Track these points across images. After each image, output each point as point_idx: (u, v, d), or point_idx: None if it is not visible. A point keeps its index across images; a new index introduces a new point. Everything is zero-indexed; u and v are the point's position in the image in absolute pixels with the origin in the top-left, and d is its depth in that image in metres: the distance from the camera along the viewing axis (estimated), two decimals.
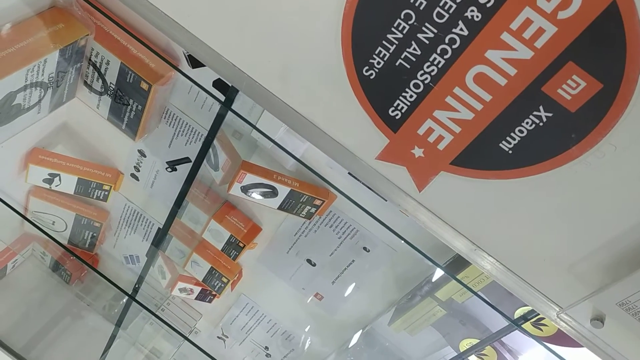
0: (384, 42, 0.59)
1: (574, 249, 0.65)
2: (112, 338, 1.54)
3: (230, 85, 0.99)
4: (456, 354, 1.25)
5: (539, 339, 0.98)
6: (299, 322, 1.48)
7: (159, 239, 1.37)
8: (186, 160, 1.25)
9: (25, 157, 1.27)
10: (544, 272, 0.68)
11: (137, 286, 1.36)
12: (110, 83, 1.11)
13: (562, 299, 0.69)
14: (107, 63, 1.08)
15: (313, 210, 1.18)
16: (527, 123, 0.58)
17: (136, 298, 1.36)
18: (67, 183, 1.32)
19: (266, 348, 1.58)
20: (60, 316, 1.70)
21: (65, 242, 1.52)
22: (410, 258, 1.21)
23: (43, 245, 1.66)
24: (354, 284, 1.30)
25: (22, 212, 1.41)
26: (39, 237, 1.62)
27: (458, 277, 1.08)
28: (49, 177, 1.30)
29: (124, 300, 1.37)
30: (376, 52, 0.60)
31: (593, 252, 0.64)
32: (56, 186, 1.33)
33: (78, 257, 1.49)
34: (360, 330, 1.40)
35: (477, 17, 0.53)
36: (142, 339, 1.73)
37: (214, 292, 1.45)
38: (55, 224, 1.46)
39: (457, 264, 1.07)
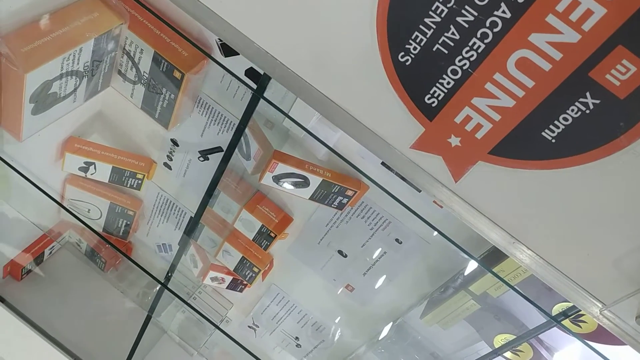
0: (420, 26, 0.57)
1: (619, 244, 0.62)
2: (145, 325, 1.56)
3: (262, 73, 0.98)
4: (490, 349, 1.22)
5: (580, 337, 0.94)
6: (329, 313, 1.47)
7: (191, 228, 1.38)
8: (218, 149, 1.25)
9: (61, 146, 1.29)
10: (587, 267, 0.65)
11: (169, 274, 1.36)
12: (144, 72, 1.11)
13: (605, 295, 0.66)
14: (141, 52, 1.08)
15: (345, 200, 1.16)
16: (572, 110, 0.55)
17: (168, 286, 1.37)
18: (102, 171, 1.34)
19: (296, 338, 1.58)
20: (95, 302, 1.72)
21: (100, 230, 1.54)
22: (443, 250, 1.19)
23: (79, 232, 1.69)
24: (385, 276, 1.29)
25: (58, 199, 1.43)
26: (75, 225, 1.65)
27: (495, 269, 1.05)
28: (84, 165, 1.32)
29: (157, 288, 1.38)
30: (412, 37, 0.58)
31: (639, 247, 0.61)
32: (91, 174, 1.34)
33: (112, 245, 1.51)
34: (391, 323, 1.38)
35: None
36: (174, 327, 1.75)
37: (245, 282, 1.45)
38: (91, 212, 1.49)
39: (492, 258, 1.04)
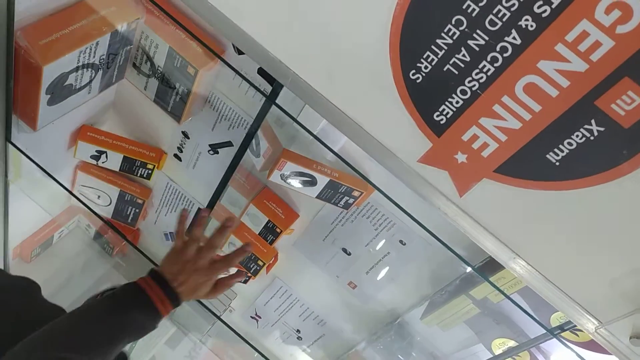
0: (432, 46, 0.58)
1: (617, 265, 0.63)
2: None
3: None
4: (487, 351, 1.24)
5: (577, 347, 0.96)
6: (331, 309, 1.49)
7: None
8: (228, 144, 1.27)
9: (74, 134, 1.31)
10: (585, 285, 0.67)
11: None
12: (158, 66, 1.12)
13: (602, 314, 0.68)
14: (156, 47, 1.09)
15: (351, 200, 1.18)
16: (577, 136, 0.56)
17: None
18: (113, 160, 1.36)
19: (298, 331, 1.60)
20: (102, 287, 1.75)
21: (109, 216, 1.56)
22: (446, 254, 1.20)
23: (88, 217, 1.72)
24: (387, 276, 1.30)
25: (70, 184, 1.45)
26: (85, 210, 1.67)
27: (494, 277, 1.06)
28: (96, 153, 1.34)
29: None
30: (424, 56, 0.59)
31: (637, 269, 0.63)
32: (103, 163, 1.37)
33: (118, 231, 1.54)
34: (392, 321, 1.40)
35: (532, 26, 0.52)
36: (177, 314, 1.78)
37: (249, 274, 1.48)
38: (101, 198, 1.51)
39: (493, 264, 1.05)
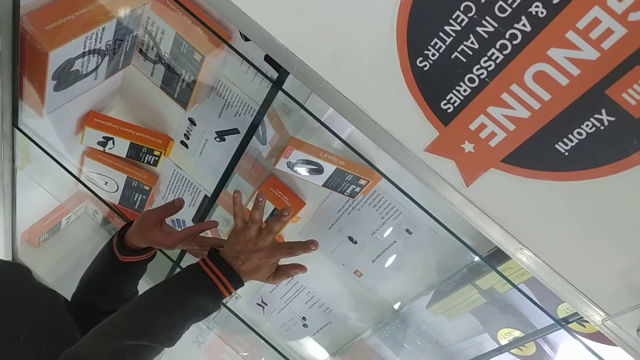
0: (440, 34, 0.57)
1: (626, 257, 0.63)
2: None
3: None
4: (493, 341, 1.24)
5: (584, 338, 0.95)
6: (337, 297, 1.49)
7: (207, 207, 1.39)
8: (235, 131, 1.26)
9: (81, 119, 1.31)
10: (593, 278, 0.66)
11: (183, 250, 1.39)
12: (165, 52, 1.12)
13: (609, 306, 0.67)
14: (163, 32, 1.08)
15: (358, 189, 1.17)
16: (587, 126, 0.55)
17: (180, 264, 1.40)
18: (120, 146, 1.36)
19: (304, 318, 1.61)
20: None
21: (116, 202, 1.57)
22: (452, 243, 1.19)
23: (96, 203, 1.73)
24: (394, 264, 1.30)
25: (76, 171, 1.46)
26: (92, 196, 1.68)
27: (502, 267, 1.06)
28: (103, 140, 1.34)
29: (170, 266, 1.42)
30: (432, 43, 0.58)
31: None
32: (109, 149, 1.37)
33: (124, 218, 1.54)
34: (397, 310, 1.40)
35: (542, 13, 0.51)
36: None
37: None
38: (108, 185, 1.51)
39: (499, 255, 1.05)
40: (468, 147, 0.63)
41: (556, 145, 0.58)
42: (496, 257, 1.07)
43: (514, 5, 0.51)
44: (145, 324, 0.80)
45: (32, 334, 0.86)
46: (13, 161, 1.29)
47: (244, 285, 0.91)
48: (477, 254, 0.96)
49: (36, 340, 0.86)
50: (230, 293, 0.89)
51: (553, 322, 0.97)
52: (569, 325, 0.94)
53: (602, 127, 0.55)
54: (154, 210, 1.04)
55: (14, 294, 0.95)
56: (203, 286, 0.87)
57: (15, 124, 1.14)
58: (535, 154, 0.60)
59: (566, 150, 0.58)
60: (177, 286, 0.88)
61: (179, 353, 1.77)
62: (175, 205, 1.05)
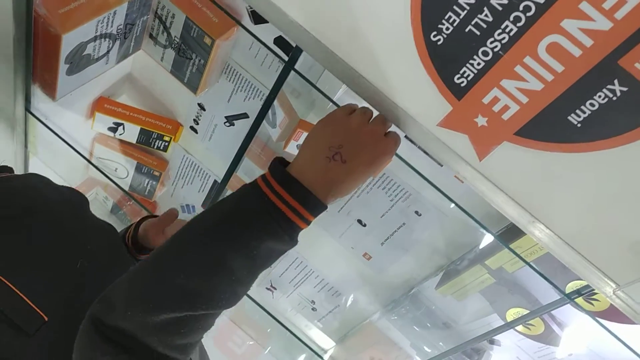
0: (454, 7, 0.57)
1: (638, 227, 0.63)
2: None
3: (294, 45, 0.99)
4: (502, 321, 1.25)
5: (592, 315, 0.97)
6: (346, 280, 1.51)
7: (217, 192, 1.41)
8: (244, 116, 1.27)
9: (92, 105, 1.32)
10: (604, 249, 0.67)
11: None
12: (175, 37, 1.13)
13: (619, 276, 0.68)
14: (173, 16, 1.09)
15: None
16: (599, 97, 0.56)
17: None
18: (130, 132, 1.37)
19: (312, 302, 1.62)
20: None
21: (127, 188, 1.58)
22: (461, 224, 1.21)
23: (106, 190, 1.74)
24: (403, 247, 1.31)
25: (87, 156, 1.47)
26: (103, 182, 1.69)
27: (510, 246, 1.07)
28: (113, 125, 1.35)
29: None
30: (446, 17, 0.59)
31: None
32: (120, 135, 1.38)
33: (138, 202, 1.56)
34: (406, 287, 1.41)
35: None
36: None
37: None
38: (118, 171, 1.53)
39: (510, 234, 1.06)
40: (481, 121, 0.64)
41: (569, 117, 0.59)
42: (505, 237, 1.08)
43: None
44: (203, 289, 0.58)
45: (90, 264, 0.73)
46: (26, 146, 1.30)
47: (326, 208, 0.65)
48: (490, 232, 0.97)
49: (92, 271, 0.73)
50: (306, 222, 0.64)
51: (560, 297, 0.98)
52: (576, 301, 0.95)
53: (614, 98, 0.55)
54: (153, 223, 1.10)
55: (75, 219, 0.83)
56: (273, 225, 0.61)
57: (27, 108, 1.15)
58: (548, 126, 0.61)
59: (579, 122, 0.59)
60: (238, 228, 0.61)
61: None
62: (171, 215, 1.11)
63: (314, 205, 0.63)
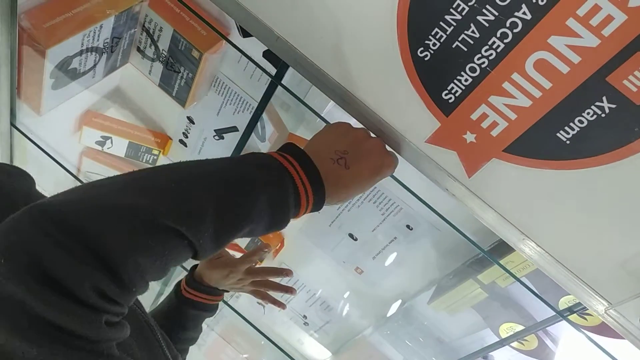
0: (441, 23, 0.57)
1: (629, 245, 0.62)
2: (159, 295, 1.60)
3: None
4: (495, 335, 1.24)
5: (585, 331, 0.95)
6: (337, 294, 1.49)
7: None
8: (234, 129, 1.26)
9: (79, 119, 1.31)
10: (595, 266, 0.66)
11: None
12: (163, 50, 1.12)
13: (611, 295, 0.67)
14: (160, 30, 1.08)
15: None
16: (588, 113, 0.55)
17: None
18: (119, 146, 1.36)
19: (304, 317, 1.61)
20: None
21: None
22: (453, 238, 1.20)
23: None
24: (394, 261, 1.30)
25: (75, 171, 1.45)
26: None
27: (503, 261, 1.06)
28: (101, 139, 1.33)
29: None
30: (432, 33, 0.58)
31: None
32: (108, 148, 1.36)
33: None
34: (399, 303, 1.40)
35: (542, 0, 0.51)
36: None
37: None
38: None
39: (502, 248, 1.05)
40: (470, 137, 0.63)
41: (558, 134, 0.58)
42: (497, 251, 1.07)
43: None
44: (192, 204, 0.50)
45: None
46: (11, 161, 1.28)
47: (321, 208, 0.64)
48: (480, 249, 0.96)
49: None
50: (305, 211, 0.61)
51: (554, 314, 0.97)
52: (569, 317, 0.94)
53: (603, 115, 0.55)
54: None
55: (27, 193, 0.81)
56: (280, 182, 0.58)
57: (12, 122, 1.14)
58: (537, 143, 0.60)
59: (568, 139, 0.58)
60: (241, 171, 0.57)
61: None
62: None
63: (320, 196, 0.62)
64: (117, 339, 0.47)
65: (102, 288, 0.43)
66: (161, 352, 0.74)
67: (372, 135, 0.70)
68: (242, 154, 1.09)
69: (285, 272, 1.03)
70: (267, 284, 1.05)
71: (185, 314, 1.02)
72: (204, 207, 0.51)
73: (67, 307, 0.42)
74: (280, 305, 1.08)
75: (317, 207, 0.62)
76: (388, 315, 1.43)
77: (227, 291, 1.07)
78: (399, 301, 1.39)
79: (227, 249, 1.45)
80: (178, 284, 1.05)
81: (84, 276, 0.43)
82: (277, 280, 1.06)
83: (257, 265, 1.51)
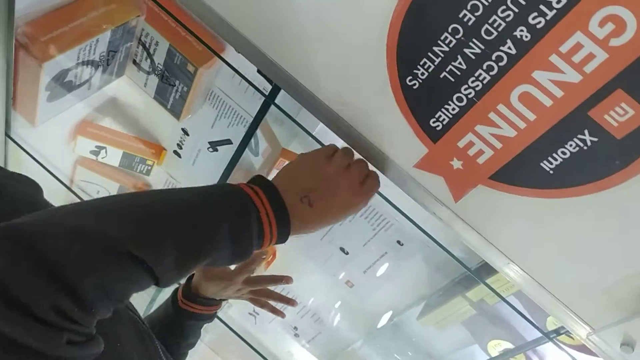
0: (429, 54, 0.58)
1: (610, 273, 0.64)
2: (152, 302, 1.60)
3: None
4: (483, 352, 1.25)
5: (568, 352, 0.97)
6: (328, 307, 1.50)
7: None
8: (228, 142, 1.27)
9: (74, 129, 1.32)
10: (578, 292, 0.67)
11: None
12: (158, 64, 1.13)
13: (594, 320, 0.68)
14: (156, 44, 1.09)
15: None
16: (570, 145, 0.56)
17: None
18: (113, 156, 1.36)
19: (295, 328, 1.61)
20: None
21: None
22: (444, 255, 1.20)
23: None
24: (385, 276, 1.31)
25: (69, 179, 1.46)
26: None
27: (491, 279, 1.07)
28: (95, 149, 1.34)
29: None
30: (421, 63, 0.59)
31: (629, 278, 0.63)
32: (102, 158, 1.37)
33: None
34: (389, 314, 1.41)
35: (527, 37, 0.52)
36: None
37: None
38: (100, 194, 1.52)
39: (490, 266, 1.06)
40: (457, 164, 0.65)
41: (541, 164, 0.59)
42: (486, 268, 1.08)
43: (500, 29, 0.53)
44: (151, 231, 0.51)
45: None
46: None
47: (286, 240, 0.64)
48: (466, 268, 0.97)
49: None
50: (269, 242, 0.62)
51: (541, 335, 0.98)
52: (558, 337, 0.95)
53: (585, 147, 0.56)
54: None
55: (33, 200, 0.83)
56: (243, 213, 0.58)
57: (7, 133, 1.14)
58: (521, 171, 0.61)
59: (551, 169, 0.59)
60: (205, 199, 0.58)
61: None
62: None
63: (284, 229, 0.62)
64: (83, 357, 0.47)
65: (62, 308, 0.44)
66: None
67: (355, 159, 0.69)
68: (235, 168, 1.11)
69: (285, 279, 1.03)
70: (268, 294, 1.05)
71: (182, 324, 1.02)
72: (164, 235, 0.52)
73: (25, 323, 0.42)
74: (279, 313, 1.08)
75: (281, 239, 0.63)
76: (379, 326, 1.43)
77: (226, 300, 1.07)
78: (390, 312, 1.40)
79: None
80: (175, 292, 1.04)
81: (44, 295, 0.43)
82: (276, 288, 1.06)
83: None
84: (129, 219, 0.51)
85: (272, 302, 1.07)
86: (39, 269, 0.44)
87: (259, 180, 0.64)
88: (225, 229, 0.56)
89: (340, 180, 0.66)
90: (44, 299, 0.43)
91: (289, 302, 1.06)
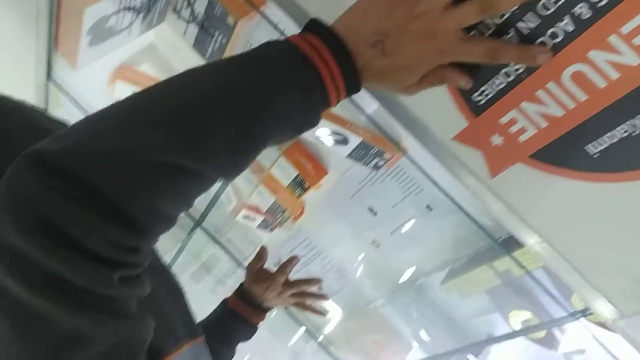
0: (479, 25, 0.56)
1: None
2: (180, 250, 1.64)
3: None
4: (503, 320, 1.26)
5: (593, 332, 0.96)
6: (353, 264, 1.52)
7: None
8: None
9: (113, 73, 1.32)
10: (611, 277, 0.66)
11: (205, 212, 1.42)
12: (198, 13, 1.11)
13: (624, 306, 0.68)
14: None
15: (381, 162, 1.18)
16: (620, 130, 0.54)
17: (203, 225, 1.43)
18: None
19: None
20: None
21: None
22: (471, 222, 1.20)
23: None
24: (412, 238, 1.31)
25: None
26: None
27: (520, 251, 1.06)
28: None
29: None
30: (470, 33, 0.57)
31: None
32: None
33: None
34: (411, 271, 1.41)
35: (586, 14, 0.49)
36: (203, 256, 1.82)
37: (275, 224, 1.50)
38: None
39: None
40: (497, 139, 0.63)
41: (586, 147, 0.57)
42: (515, 240, 1.07)
43: (558, 4, 0.50)
44: (198, 132, 0.44)
45: None
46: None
47: (358, 91, 0.54)
48: (493, 240, 0.96)
49: None
50: (338, 101, 0.52)
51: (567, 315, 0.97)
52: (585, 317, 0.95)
53: (634, 133, 0.54)
54: (250, 265, 1.14)
55: None
56: (301, 81, 0.49)
57: (49, 75, 1.16)
58: (564, 152, 0.59)
59: (595, 153, 0.57)
60: (254, 76, 0.48)
61: None
62: (260, 255, 1.15)
63: (354, 87, 0.52)
64: (133, 297, 0.45)
65: (114, 238, 0.41)
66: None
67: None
68: None
69: (314, 281, 1.17)
70: (305, 295, 1.15)
71: (225, 324, 1.08)
72: (205, 132, 0.44)
73: (75, 260, 0.39)
74: (322, 314, 1.20)
75: (350, 93, 0.53)
76: (400, 281, 1.45)
77: (271, 308, 1.13)
78: (414, 268, 1.41)
79: (249, 209, 1.47)
80: (225, 300, 1.12)
81: (93, 226, 0.40)
82: (312, 289, 1.17)
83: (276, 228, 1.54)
84: (167, 124, 0.44)
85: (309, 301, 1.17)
86: (83, 199, 0.40)
87: (316, 27, 0.50)
88: (283, 106, 0.48)
89: (436, 16, 0.50)
90: (94, 231, 0.40)
91: (323, 297, 1.18)
